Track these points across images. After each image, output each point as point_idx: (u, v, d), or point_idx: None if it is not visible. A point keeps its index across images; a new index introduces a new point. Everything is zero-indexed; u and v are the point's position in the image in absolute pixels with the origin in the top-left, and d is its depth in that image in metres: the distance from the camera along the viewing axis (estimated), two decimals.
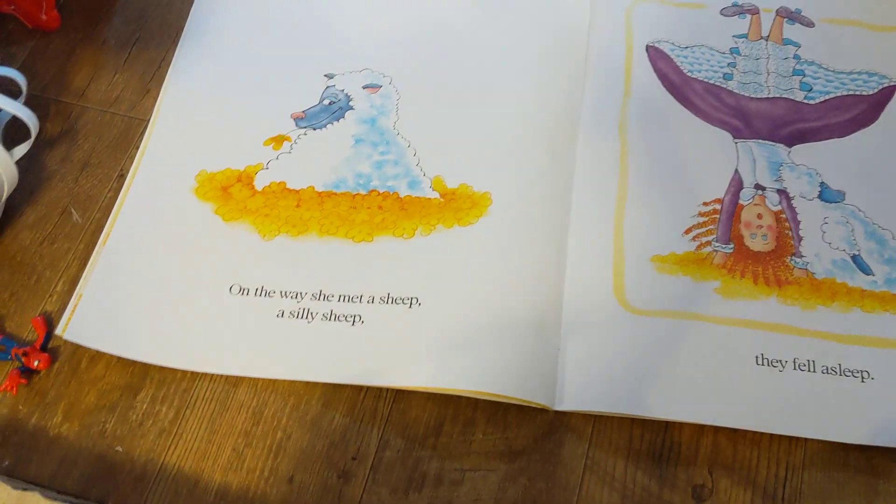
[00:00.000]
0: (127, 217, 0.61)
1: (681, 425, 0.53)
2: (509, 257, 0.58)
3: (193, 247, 0.59)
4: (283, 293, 0.57)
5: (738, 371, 0.54)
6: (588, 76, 0.67)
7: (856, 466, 0.52)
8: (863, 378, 0.54)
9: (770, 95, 0.66)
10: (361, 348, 0.55)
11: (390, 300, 0.56)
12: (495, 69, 0.68)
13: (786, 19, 0.70)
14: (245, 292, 0.57)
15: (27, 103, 0.63)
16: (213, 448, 0.53)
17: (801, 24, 0.69)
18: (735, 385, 0.53)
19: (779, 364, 0.54)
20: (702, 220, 0.60)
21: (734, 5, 0.70)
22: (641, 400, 0.53)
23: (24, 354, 0.55)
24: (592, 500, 0.51)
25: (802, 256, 0.58)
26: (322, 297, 0.57)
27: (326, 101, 0.66)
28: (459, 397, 0.54)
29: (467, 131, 0.64)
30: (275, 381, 0.55)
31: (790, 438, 0.52)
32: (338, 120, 0.65)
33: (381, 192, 0.61)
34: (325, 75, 0.68)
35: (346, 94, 0.66)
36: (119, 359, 0.55)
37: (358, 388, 0.54)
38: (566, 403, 0.53)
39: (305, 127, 0.65)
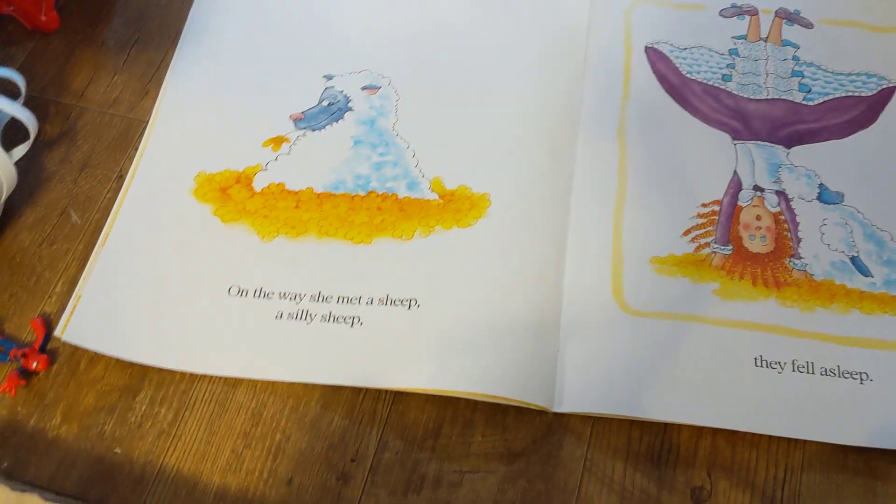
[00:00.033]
0: (126, 218, 0.61)
1: (679, 427, 0.53)
2: (508, 259, 0.58)
3: (192, 248, 0.59)
4: (282, 294, 0.57)
5: (736, 373, 0.54)
6: (587, 77, 0.67)
7: (854, 468, 0.52)
8: (861, 380, 0.54)
9: (769, 97, 0.66)
10: (360, 350, 0.55)
11: (389, 302, 0.56)
12: (495, 70, 0.68)
13: (785, 20, 0.70)
14: (244, 293, 0.57)
15: (26, 104, 0.63)
16: (212, 450, 0.53)
17: (800, 25, 0.70)
18: (734, 387, 0.53)
19: (777, 366, 0.54)
20: (700, 221, 0.60)
21: (733, 6, 0.70)
22: (640, 402, 0.53)
23: (23, 356, 0.55)
24: (591, 501, 0.51)
25: (801, 258, 0.58)
26: (321, 298, 0.57)
27: (325, 103, 0.66)
28: (458, 399, 0.54)
29: (466, 132, 0.64)
30: (274, 383, 0.55)
31: (789, 440, 0.52)
32: (337, 121, 0.65)
33: (379, 193, 0.61)
34: (324, 76, 0.68)
35: (345, 96, 0.66)
36: (118, 360, 0.55)
37: (357, 390, 0.54)
38: (565, 405, 0.53)
39: (304, 128, 0.65)
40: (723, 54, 0.68)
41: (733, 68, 0.67)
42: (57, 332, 0.55)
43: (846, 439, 0.52)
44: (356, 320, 0.56)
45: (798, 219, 0.60)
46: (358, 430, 0.53)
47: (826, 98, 0.66)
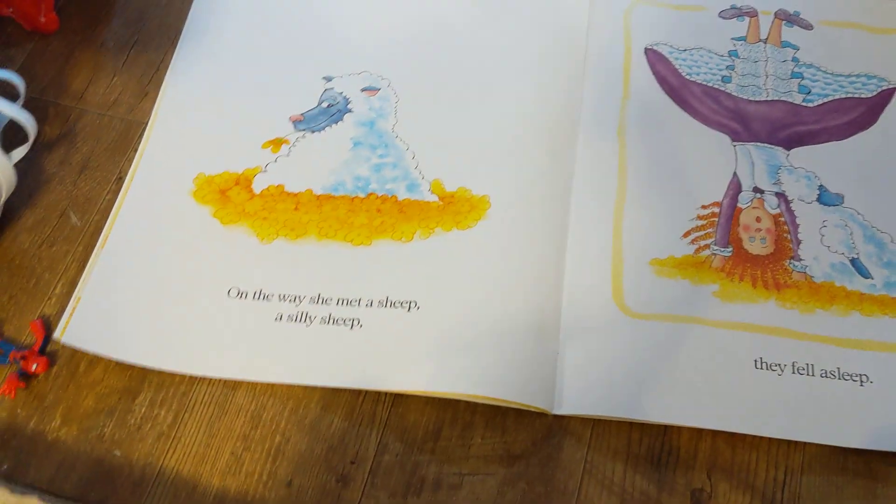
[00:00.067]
0: (125, 220, 0.61)
1: (679, 429, 0.53)
2: (508, 261, 0.58)
3: (192, 250, 0.59)
4: (282, 296, 0.57)
5: (736, 375, 0.54)
6: (587, 78, 0.67)
7: (854, 470, 0.52)
8: (861, 382, 0.54)
9: (769, 98, 0.66)
10: (360, 352, 0.55)
11: (389, 304, 0.56)
12: (494, 70, 0.68)
13: (784, 22, 0.70)
14: (243, 296, 0.57)
15: (25, 106, 0.63)
16: (212, 452, 0.53)
17: (800, 26, 0.69)
18: (734, 389, 0.53)
19: (777, 368, 0.54)
20: (700, 223, 0.60)
21: (733, 8, 0.70)
22: (640, 404, 0.53)
23: (23, 358, 0.55)
24: None
25: (801, 260, 0.58)
26: (320, 300, 0.57)
27: (325, 104, 0.66)
28: (458, 401, 0.54)
29: (466, 134, 0.64)
30: (273, 385, 0.55)
31: (789, 442, 0.52)
32: (336, 123, 0.65)
33: (379, 195, 0.61)
34: (324, 78, 0.67)
35: (345, 97, 0.66)
36: (117, 362, 0.55)
37: (356, 392, 0.54)
38: (565, 407, 0.53)
39: (304, 130, 0.65)
40: (722, 56, 0.68)
41: (733, 70, 0.67)
42: (56, 335, 0.55)
43: (846, 441, 0.52)
44: (356, 322, 0.56)
45: (798, 220, 0.60)
46: (357, 433, 0.53)
47: (826, 99, 0.66)
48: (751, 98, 0.66)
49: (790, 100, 0.65)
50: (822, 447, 0.52)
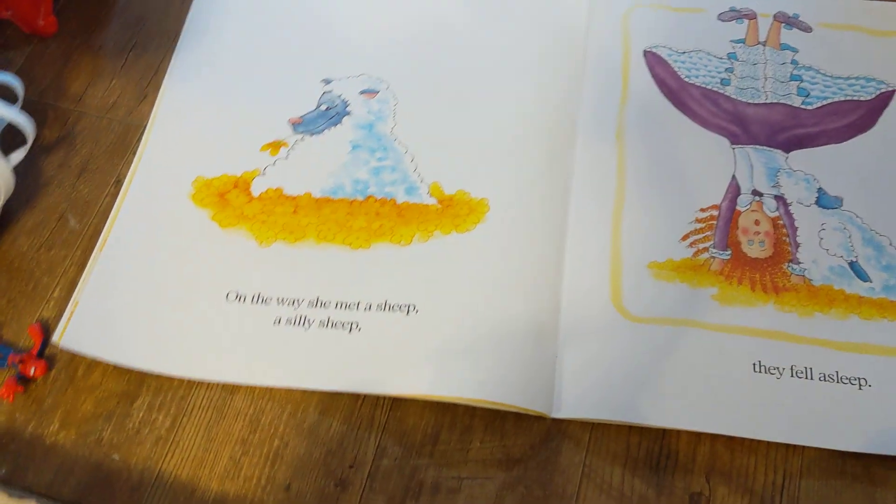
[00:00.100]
0: (124, 223, 0.61)
1: (678, 433, 0.53)
2: (507, 263, 0.58)
3: (190, 253, 0.59)
4: (280, 300, 0.57)
5: (735, 378, 0.54)
6: (586, 80, 0.67)
7: (853, 474, 0.52)
8: (860, 385, 0.53)
9: (767, 101, 0.66)
10: (359, 355, 0.55)
11: (387, 307, 0.56)
12: (494, 71, 0.68)
13: (783, 24, 0.70)
14: (242, 299, 0.57)
15: (24, 108, 0.63)
16: (210, 456, 0.53)
17: (799, 29, 0.69)
18: (732, 392, 0.53)
19: (776, 371, 0.54)
20: (699, 226, 0.60)
21: (732, 10, 0.70)
22: (639, 407, 0.53)
23: (21, 362, 0.55)
24: None
25: (800, 263, 0.58)
26: (319, 304, 0.57)
27: (323, 107, 0.66)
28: (457, 405, 0.54)
29: (465, 136, 0.64)
30: (272, 389, 0.55)
31: (787, 446, 0.52)
32: (335, 125, 0.65)
33: (378, 198, 0.61)
34: (323, 80, 0.67)
35: (344, 100, 0.66)
36: (116, 366, 0.55)
37: (355, 396, 0.54)
38: (564, 411, 0.53)
39: (302, 132, 0.65)
40: (721, 58, 0.68)
41: (732, 72, 0.67)
42: (54, 339, 0.55)
43: (845, 445, 0.52)
44: (354, 326, 0.56)
45: (797, 223, 0.60)
46: (356, 437, 0.53)
47: (825, 102, 0.66)
48: (750, 101, 0.66)
49: (789, 102, 0.65)
50: (821, 451, 0.52)
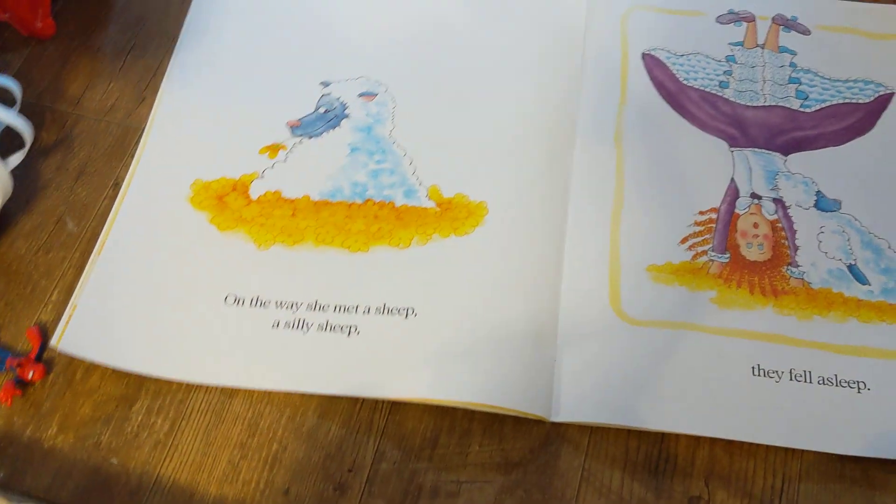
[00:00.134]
0: (122, 226, 0.60)
1: (677, 436, 0.53)
2: (506, 267, 0.58)
3: (188, 256, 0.59)
4: (279, 303, 0.57)
5: (734, 382, 0.54)
6: (584, 81, 0.67)
7: (852, 478, 0.52)
8: (859, 389, 0.53)
9: (766, 103, 0.66)
10: (357, 359, 0.55)
11: (386, 311, 0.56)
12: (493, 74, 0.68)
13: (782, 27, 0.70)
14: (240, 302, 0.57)
15: (22, 111, 0.63)
16: (209, 460, 0.53)
17: (798, 31, 0.69)
18: (731, 396, 0.53)
19: (775, 375, 0.54)
20: (698, 229, 0.60)
21: (730, 13, 0.70)
22: (638, 411, 0.53)
23: (19, 366, 0.55)
24: None
25: (799, 266, 0.58)
26: (318, 307, 0.57)
27: (322, 109, 0.66)
28: (455, 409, 0.54)
29: (463, 139, 0.64)
30: (270, 393, 0.55)
31: (786, 449, 0.52)
32: (333, 128, 0.65)
33: (377, 201, 0.61)
34: (321, 83, 0.67)
35: (342, 103, 0.66)
36: (114, 370, 0.55)
37: (354, 400, 0.54)
38: (563, 415, 0.53)
39: (301, 135, 0.64)
40: (720, 61, 0.68)
41: (730, 75, 0.67)
42: (53, 342, 0.55)
43: (844, 449, 0.52)
44: (353, 329, 0.56)
45: (795, 226, 0.60)
46: (355, 440, 0.53)
47: (823, 105, 0.66)
48: (748, 103, 0.66)
49: (788, 105, 0.65)
50: (820, 454, 0.52)
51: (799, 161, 0.63)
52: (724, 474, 0.52)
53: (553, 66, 0.68)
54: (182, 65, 0.68)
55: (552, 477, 0.52)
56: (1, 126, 0.62)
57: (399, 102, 0.66)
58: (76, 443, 0.53)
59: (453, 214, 0.60)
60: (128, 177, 0.62)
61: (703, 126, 0.65)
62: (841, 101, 0.66)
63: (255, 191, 0.62)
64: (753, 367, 0.54)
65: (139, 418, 0.54)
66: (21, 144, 0.62)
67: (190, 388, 0.55)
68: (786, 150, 0.63)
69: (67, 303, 0.57)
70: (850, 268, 0.58)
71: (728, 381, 0.54)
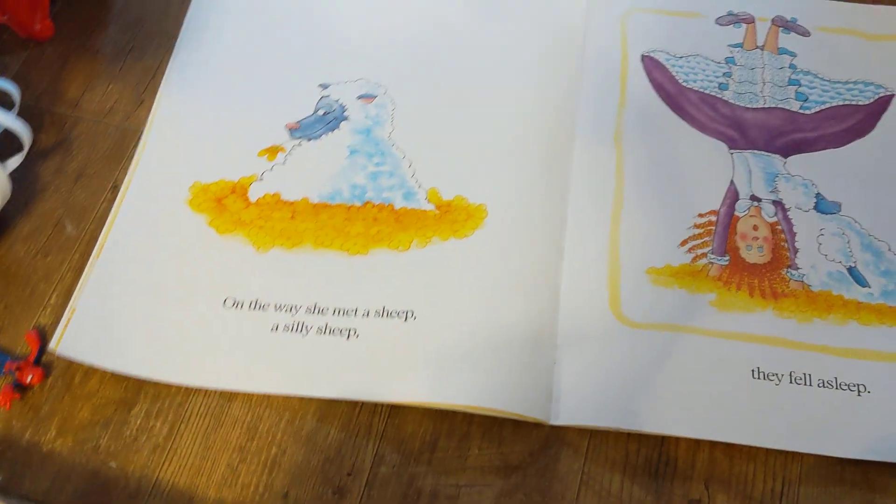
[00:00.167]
0: (121, 229, 0.60)
1: (677, 440, 0.53)
2: (505, 270, 0.58)
3: (187, 259, 0.59)
4: (278, 306, 0.57)
5: (733, 385, 0.54)
6: (584, 84, 0.66)
7: (852, 481, 0.52)
8: (859, 392, 0.53)
9: (766, 105, 0.65)
10: (356, 362, 0.54)
11: (385, 314, 0.56)
12: (492, 75, 0.68)
13: (781, 28, 0.70)
14: (239, 305, 0.57)
15: (20, 114, 0.63)
16: (208, 464, 0.52)
17: (797, 33, 0.69)
18: (731, 399, 0.53)
19: (775, 378, 0.54)
20: (697, 231, 0.60)
21: (729, 14, 0.70)
22: (637, 414, 0.53)
23: (18, 369, 0.55)
24: None
25: (798, 268, 0.58)
26: (317, 310, 0.56)
27: (321, 112, 0.66)
28: (455, 412, 0.53)
29: (463, 141, 0.64)
30: (269, 396, 0.54)
31: (786, 453, 0.52)
32: (332, 130, 0.65)
33: (376, 203, 0.61)
34: (320, 85, 0.67)
35: (341, 105, 0.66)
36: (113, 373, 0.55)
37: (353, 403, 0.54)
38: (562, 418, 0.53)
39: (300, 137, 0.64)
40: (719, 63, 0.68)
41: (730, 77, 0.67)
42: (51, 346, 0.55)
43: (844, 452, 0.51)
44: (352, 332, 0.55)
45: (795, 229, 0.60)
46: (354, 444, 0.53)
47: (823, 107, 0.65)
48: (748, 105, 0.65)
49: (787, 107, 0.65)
50: (820, 458, 0.52)
51: (799, 163, 0.63)
52: (724, 477, 0.52)
53: (553, 66, 0.68)
54: (181, 67, 0.68)
55: (552, 480, 0.52)
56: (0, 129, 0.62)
57: (398, 104, 0.66)
58: (75, 446, 0.53)
59: (453, 217, 0.60)
60: (126, 179, 0.62)
61: (702, 128, 0.65)
62: (841, 103, 0.66)
63: (254, 193, 0.62)
64: (753, 370, 0.54)
65: (138, 422, 0.54)
66: (20, 147, 0.62)
67: (189, 392, 0.55)
68: (785, 152, 0.63)
69: (66, 306, 0.57)
70: (850, 270, 0.58)
71: (728, 384, 0.54)
